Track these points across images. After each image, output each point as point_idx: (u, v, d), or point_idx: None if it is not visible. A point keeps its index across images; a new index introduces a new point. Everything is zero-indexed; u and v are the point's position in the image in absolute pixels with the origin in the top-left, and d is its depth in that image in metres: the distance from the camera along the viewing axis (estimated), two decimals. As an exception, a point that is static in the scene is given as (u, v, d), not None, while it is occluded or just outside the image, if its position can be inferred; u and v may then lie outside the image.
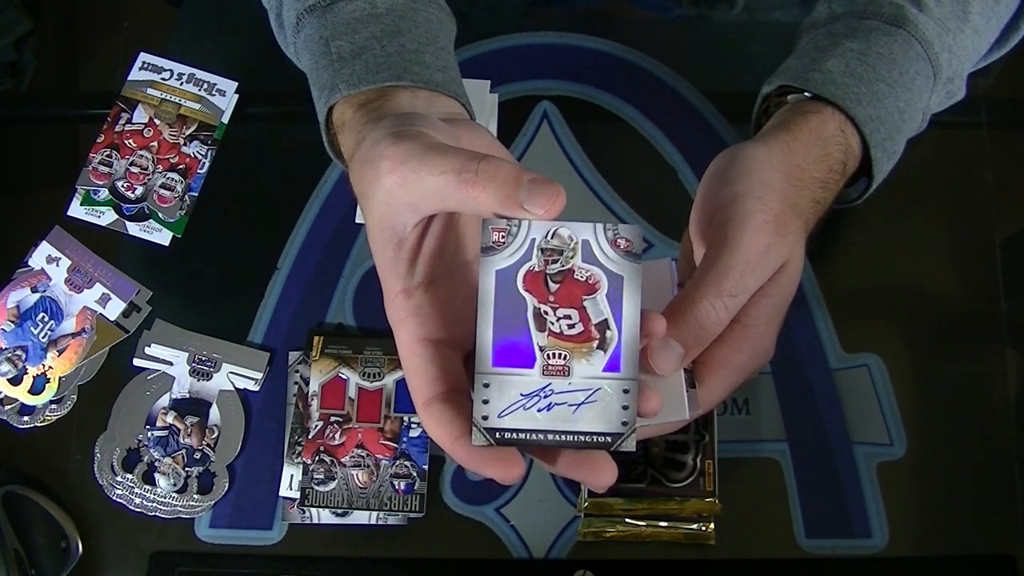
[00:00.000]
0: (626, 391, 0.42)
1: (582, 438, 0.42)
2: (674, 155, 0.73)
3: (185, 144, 0.73)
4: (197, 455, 0.66)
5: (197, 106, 0.74)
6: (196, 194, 0.72)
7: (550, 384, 0.42)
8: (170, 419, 0.66)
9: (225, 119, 0.74)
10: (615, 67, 0.76)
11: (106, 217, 0.71)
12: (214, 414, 0.67)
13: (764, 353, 0.51)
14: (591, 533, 0.62)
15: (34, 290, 0.69)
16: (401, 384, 0.66)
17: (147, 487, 0.65)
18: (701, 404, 0.50)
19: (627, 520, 0.61)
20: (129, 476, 0.65)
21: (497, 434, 0.41)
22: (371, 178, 0.44)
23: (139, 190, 0.71)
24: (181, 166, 0.72)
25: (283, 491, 0.65)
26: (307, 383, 0.67)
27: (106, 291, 0.69)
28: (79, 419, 0.67)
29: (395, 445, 0.65)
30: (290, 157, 0.74)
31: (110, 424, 0.66)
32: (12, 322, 0.69)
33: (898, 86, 0.55)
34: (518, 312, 0.42)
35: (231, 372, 0.67)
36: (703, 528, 0.61)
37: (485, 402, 0.41)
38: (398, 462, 0.65)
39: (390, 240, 0.45)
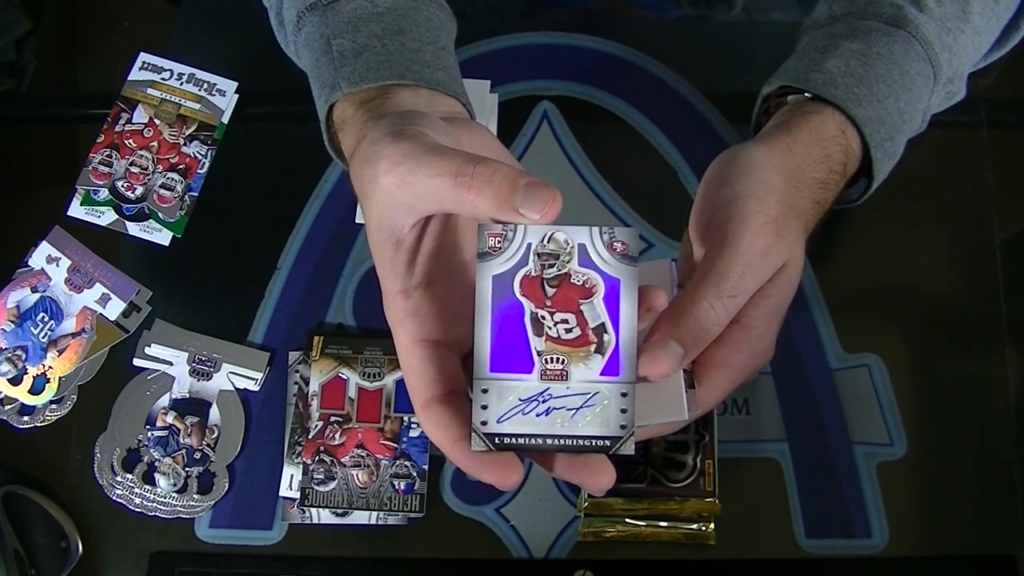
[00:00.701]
0: (624, 394, 0.42)
1: (581, 442, 0.42)
2: (674, 155, 0.73)
3: (185, 144, 0.73)
4: (197, 455, 0.66)
5: (197, 106, 0.74)
6: (196, 194, 0.72)
7: (548, 389, 0.42)
8: (170, 419, 0.66)
9: (225, 119, 0.74)
10: (615, 67, 0.76)
11: (106, 217, 0.71)
12: (214, 414, 0.67)
13: (764, 353, 0.51)
14: (591, 533, 0.62)
15: (34, 290, 0.69)
16: (401, 384, 0.66)
17: (147, 487, 0.65)
18: (701, 405, 0.50)
19: (627, 520, 0.61)
20: (129, 476, 0.65)
21: (496, 439, 0.41)
22: (369, 177, 0.44)
23: (139, 190, 0.71)
24: (181, 166, 0.72)
25: (283, 491, 0.65)
26: (307, 383, 0.67)
27: (106, 291, 0.69)
28: (79, 419, 0.67)
29: (395, 445, 0.65)
30: (290, 157, 0.74)
31: (110, 424, 0.66)
32: (12, 322, 0.69)
33: (898, 86, 0.55)
34: (515, 317, 0.42)
35: (231, 372, 0.67)
36: (703, 528, 0.61)
37: (484, 407, 0.41)
38: (398, 462, 0.65)
39: (388, 240, 0.45)
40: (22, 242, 0.70)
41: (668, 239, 0.70)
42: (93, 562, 0.64)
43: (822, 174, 0.52)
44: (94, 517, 0.65)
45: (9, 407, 0.67)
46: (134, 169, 0.72)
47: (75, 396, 0.67)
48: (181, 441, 0.66)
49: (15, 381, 0.68)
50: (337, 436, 0.65)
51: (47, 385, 0.67)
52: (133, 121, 0.73)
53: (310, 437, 0.65)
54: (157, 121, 0.73)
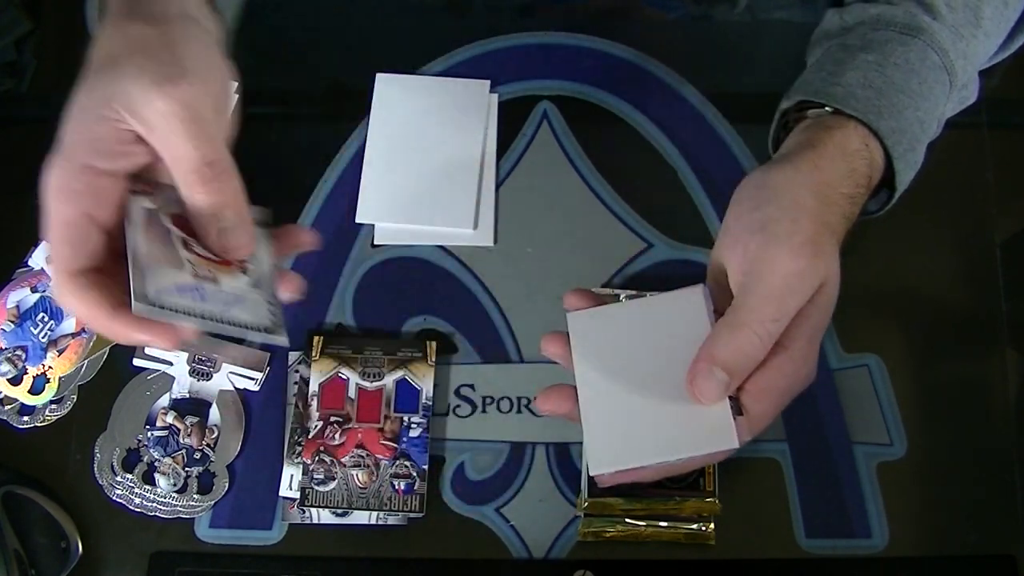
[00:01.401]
0: (271, 303, 0.49)
1: (235, 325, 0.47)
2: (674, 155, 0.73)
3: (185, 144, 0.73)
4: (197, 455, 0.66)
5: (197, 106, 0.74)
6: (196, 194, 0.72)
7: (202, 286, 0.47)
8: (170, 419, 0.66)
9: (225, 119, 0.74)
10: (615, 67, 0.76)
11: (106, 217, 0.71)
12: (214, 414, 0.67)
13: (807, 375, 0.51)
14: (591, 533, 0.62)
15: (34, 290, 0.69)
16: (401, 384, 0.66)
17: (147, 487, 0.65)
18: (750, 431, 0.50)
19: (627, 520, 0.61)
20: (129, 476, 0.65)
21: (158, 307, 0.44)
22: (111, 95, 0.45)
23: (139, 190, 0.71)
24: (181, 166, 0.72)
25: (283, 491, 0.65)
26: (307, 383, 0.67)
27: (106, 291, 0.69)
28: (79, 419, 0.67)
29: (395, 445, 0.65)
30: (290, 157, 0.74)
31: (110, 424, 0.66)
32: (12, 322, 0.69)
33: (917, 96, 0.55)
34: (164, 234, 0.47)
35: (231, 372, 0.67)
36: (703, 528, 0.61)
37: (142, 280, 0.45)
38: (398, 462, 0.65)
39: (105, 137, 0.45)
40: (22, 242, 0.70)
41: (668, 239, 0.70)
42: (93, 562, 0.64)
43: (849, 188, 0.52)
44: (94, 517, 0.65)
45: (9, 407, 0.67)
46: (134, 169, 0.72)
47: (75, 396, 0.67)
48: (181, 441, 0.66)
49: (15, 381, 0.68)
50: (337, 436, 0.65)
51: (47, 385, 0.67)
52: (133, 121, 0.73)
53: (310, 437, 0.65)
54: (157, 121, 0.73)
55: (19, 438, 0.67)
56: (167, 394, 0.67)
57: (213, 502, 0.65)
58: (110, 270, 0.46)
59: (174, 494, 0.65)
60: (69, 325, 0.69)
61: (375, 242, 0.71)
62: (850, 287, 0.69)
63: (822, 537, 0.63)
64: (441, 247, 0.71)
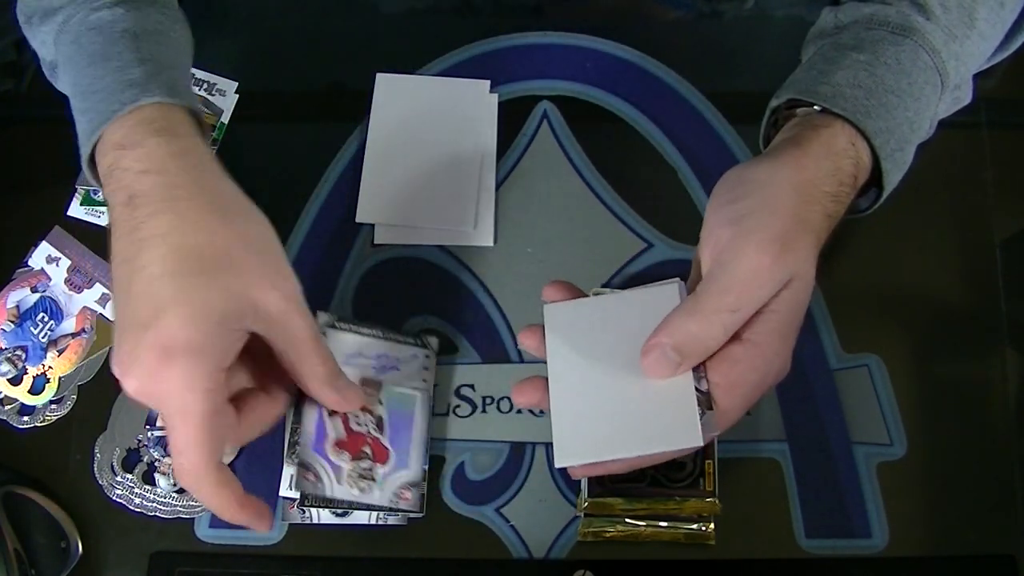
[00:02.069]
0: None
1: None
2: (674, 155, 0.73)
3: (185, 144, 0.73)
4: (197, 455, 0.65)
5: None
6: (196, 194, 0.72)
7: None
8: (170, 419, 0.66)
9: (225, 119, 0.74)
10: (615, 67, 0.76)
11: (106, 217, 0.71)
12: (214, 414, 0.67)
13: (779, 371, 0.51)
14: (591, 533, 0.62)
15: (34, 290, 0.69)
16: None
17: (147, 487, 0.65)
18: (719, 426, 0.50)
19: (627, 520, 0.61)
20: (129, 476, 0.65)
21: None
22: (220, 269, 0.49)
23: (139, 190, 0.71)
24: (181, 166, 0.72)
25: (283, 491, 0.65)
26: (307, 383, 0.66)
27: (106, 291, 0.69)
28: (79, 419, 0.67)
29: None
30: (290, 157, 0.74)
31: (110, 424, 0.66)
32: (12, 322, 0.69)
33: (907, 96, 0.55)
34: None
35: (231, 372, 0.67)
36: (703, 528, 0.61)
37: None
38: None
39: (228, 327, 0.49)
40: (22, 242, 0.70)
41: (668, 239, 0.70)
42: (93, 562, 0.64)
43: (833, 187, 0.52)
44: (94, 517, 0.65)
45: (9, 407, 0.67)
46: (134, 169, 0.72)
47: (75, 396, 0.67)
48: (181, 441, 0.66)
49: (15, 381, 0.68)
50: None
51: (47, 385, 0.67)
52: (133, 121, 0.73)
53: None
54: (157, 121, 0.73)
55: (19, 438, 0.67)
56: (167, 394, 0.67)
57: (213, 502, 0.65)
58: None
59: (174, 494, 0.65)
60: (69, 325, 0.69)
61: (375, 241, 0.71)
62: (850, 287, 0.70)
63: (822, 537, 0.63)
64: (441, 247, 0.71)
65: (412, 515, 0.64)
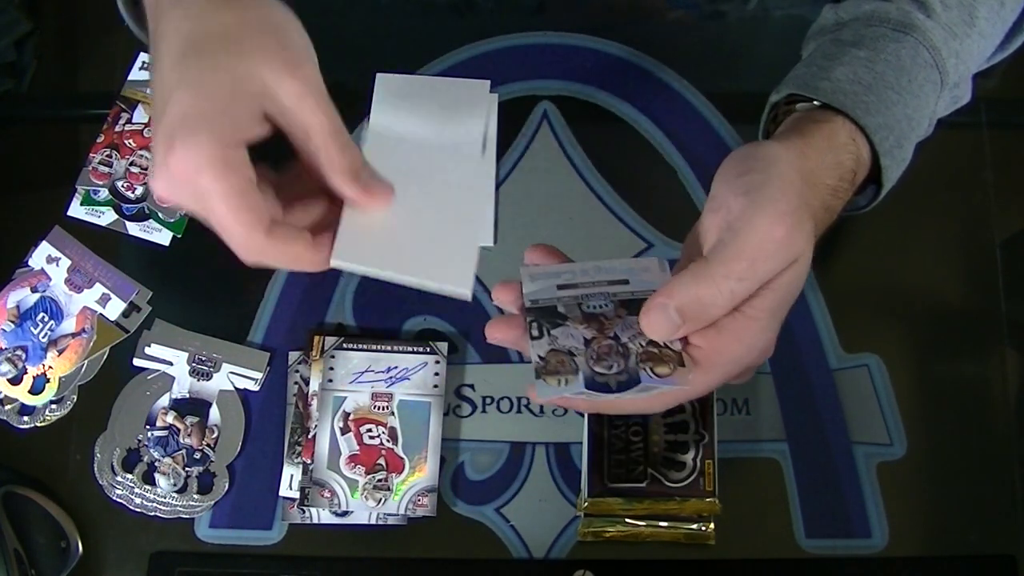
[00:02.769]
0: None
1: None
2: (674, 155, 0.73)
3: (185, 144, 0.73)
4: (197, 455, 0.66)
5: (197, 106, 0.74)
6: (196, 194, 0.72)
7: None
8: (170, 419, 0.66)
9: (225, 119, 0.74)
10: (615, 67, 0.76)
11: (106, 217, 0.71)
12: (214, 414, 0.67)
13: (764, 348, 0.51)
14: (591, 533, 0.62)
15: (34, 290, 0.69)
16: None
17: (147, 487, 0.65)
18: (694, 389, 0.50)
19: (627, 520, 0.61)
20: (129, 476, 0.65)
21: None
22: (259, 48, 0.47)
23: (139, 190, 0.71)
24: (181, 166, 0.72)
25: (283, 491, 0.65)
26: (307, 383, 0.67)
27: (106, 291, 0.69)
28: (79, 419, 0.67)
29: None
30: (290, 157, 0.74)
31: (110, 424, 0.66)
32: (12, 322, 0.69)
33: (906, 93, 0.55)
34: None
35: (231, 372, 0.67)
36: (703, 528, 0.61)
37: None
38: (398, 462, 0.65)
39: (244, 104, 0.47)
40: (22, 242, 0.70)
41: (668, 239, 0.70)
42: (93, 562, 0.64)
43: (833, 181, 0.52)
44: (94, 517, 0.65)
45: (9, 407, 0.67)
46: (134, 169, 0.72)
47: (75, 396, 0.67)
48: (181, 441, 0.66)
49: (15, 381, 0.68)
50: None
51: (47, 385, 0.67)
52: (133, 121, 0.73)
53: (310, 437, 0.65)
54: (157, 121, 0.73)
55: (19, 438, 0.67)
56: (167, 394, 0.67)
57: (213, 502, 0.65)
58: None
59: (174, 494, 0.65)
60: (69, 325, 0.69)
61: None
62: (850, 287, 0.70)
63: (822, 537, 0.63)
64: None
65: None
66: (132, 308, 0.69)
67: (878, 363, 0.67)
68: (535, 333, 0.50)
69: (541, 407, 0.67)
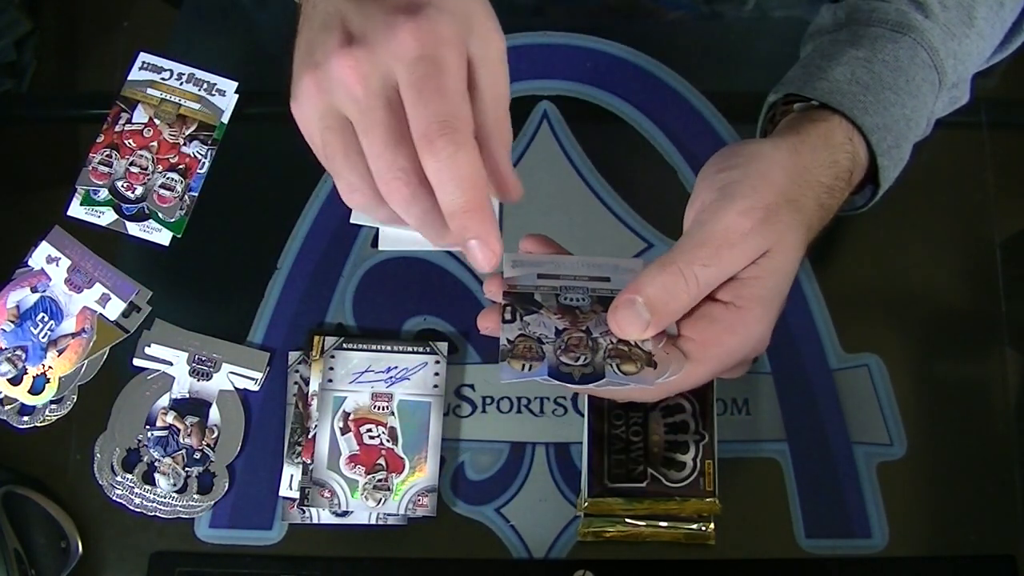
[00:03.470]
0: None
1: None
2: (674, 155, 0.73)
3: (185, 144, 0.73)
4: (197, 455, 0.66)
5: (197, 106, 0.74)
6: (196, 194, 0.72)
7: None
8: (170, 419, 0.66)
9: (225, 119, 0.74)
10: (615, 67, 0.76)
11: (106, 217, 0.71)
12: (214, 414, 0.67)
13: (758, 340, 0.51)
14: (591, 533, 0.62)
15: (34, 290, 0.69)
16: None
17: (147, 487, 0.65)
18: (690, 379, 0.50)
19: (627, 520, 0.61)
20: (129, 476, 0.65)
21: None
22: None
23: (139, 190, 0.71)
24: (181, 166, 0.72)
25: (283, 491, 0.65)
26: (307, 383, 0.67)
27: (106, 291, 0.69)
28: (79, 419, 0.67)
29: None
30: (290, 157, 0.74)
31: (110, 424, 0.66)
32: (12, 322, 0.69)
33: (904, 93, 0.55)
34: None
35: (231, 372, 0.67)
36: (703, 528, 0.61)
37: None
38: (398, 462, 0.65)
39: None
40: (22, 242, 0.70)
41: (668, 239, 0.70)
42: (93, 562, 0.64)
43: (828, 179, 0.52)
44: (94, 517, 0.65)
45: (9, 407, 0.67)
46: (134, 169, 0.72)
47: (75, 396, 0.67)
48: (181, 441, 0.66)
49: (15, 381, 0.68)
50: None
51: (47, 385, 0.67)
52: (133, 121, 0.73)
53: (310, 437, 0.65)
54: (157, 121, 0.73)
55: (19, 438, 0.67)
56: (167, 394, 0.67)
57: (213, 502, 0.65)
58: None
59: (174, 494, 0.65)
60: (69, 325, 0.69)
61: (380, 249, 0.71)
62: (850, 287, 0.70)
63: (822, 537, 0.63)
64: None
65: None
66: (132, 308, 0.69)
67: (878, 363, 0.67)
68: (508, 317, 0.50)
69: (541, 407, 0.67)
